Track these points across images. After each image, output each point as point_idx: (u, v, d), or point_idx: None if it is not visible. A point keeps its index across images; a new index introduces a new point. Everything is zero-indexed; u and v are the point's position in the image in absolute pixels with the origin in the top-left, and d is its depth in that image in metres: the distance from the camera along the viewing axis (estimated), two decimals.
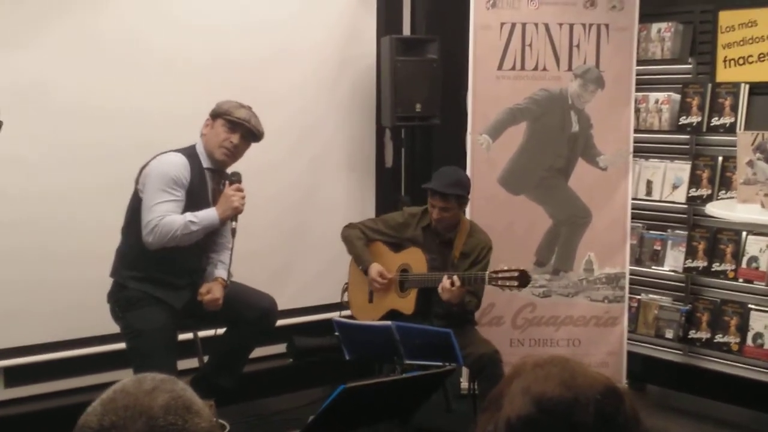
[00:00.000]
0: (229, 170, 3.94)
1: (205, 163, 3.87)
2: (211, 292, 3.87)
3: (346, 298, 4.47)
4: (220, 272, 3.97)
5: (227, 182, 3.87)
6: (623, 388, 1.26)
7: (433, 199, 4.15)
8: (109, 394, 1.24)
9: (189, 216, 3.72)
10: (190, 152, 3.86)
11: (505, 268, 3.97)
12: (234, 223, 3.83)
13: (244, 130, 3.84)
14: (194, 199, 3.78)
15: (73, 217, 4.25)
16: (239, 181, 3.87)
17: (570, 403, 1.20)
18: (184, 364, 4.18)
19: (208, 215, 3.76)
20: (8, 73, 4.08)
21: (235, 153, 3.87)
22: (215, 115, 3.87)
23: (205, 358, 4.23)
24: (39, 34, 4.18)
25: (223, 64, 4.67)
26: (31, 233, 4.19)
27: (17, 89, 4.07)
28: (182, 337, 4.12)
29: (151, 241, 3.70)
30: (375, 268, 4.25)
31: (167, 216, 3.68)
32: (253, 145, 4.78)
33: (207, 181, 3.87)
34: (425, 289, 4.15)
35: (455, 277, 3.95)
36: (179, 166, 3.77)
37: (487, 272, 4.00)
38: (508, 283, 3.97)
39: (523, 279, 3.96)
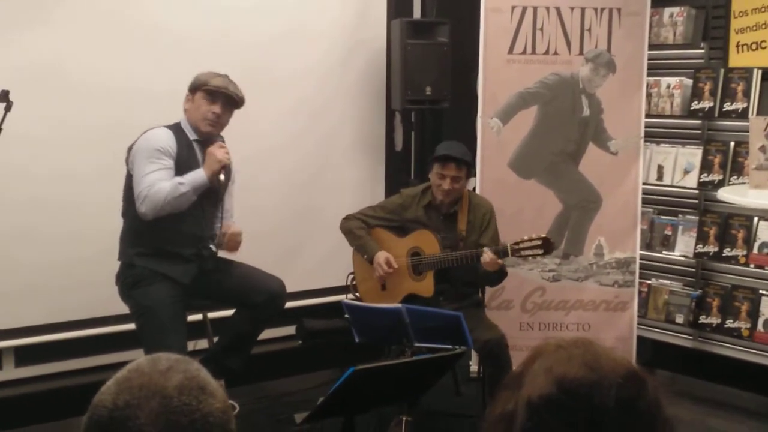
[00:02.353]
0: None
1: (192, 136, 3.91)
2: (231, 228, 3.93)
3: (353, 289, 4.45)
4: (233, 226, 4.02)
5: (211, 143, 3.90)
6: (647, 374, 1.25)
7: (446, 169, 4.10)
8: (123, 374, 1.24)
9: (177, 179, 3.75)
10: (175, 127, 3.91)
11: (526, 237, 3.96)
12: (222, 176, 3.83)
13: (223, 98, 3.87)
14: (184, 168, 3.81)
15: (84, 196, 4.26)
16: (221, 140, 3.90)
17: (592, 385, 1.20)
18: (193, 346, 4.20)
19: (196, 175, 3.78)
20: (19, 53, 4.09)
21: (219, 122, 3.91)
22: (194, 88, 3.90)
23: (215, 340, 4.24)
24: (50, 13, 4.18)
25: (233, 46, 4.66)
26: (43, 212, 4.21)
27: (28, 68, 4.08)
28: (192, 318, 4.14)
29: (144, 211, 3.72)
30: (382, 256, 4.19)
31: (156, 184, 3.70)
32: (263, 127, 4.81)
33: (196, 152, 3.90)
34: (441, 269, 4.14)
35: (490, 251, 3.95)
36: (163, 136, 3.82)
37: (509, 245, 3.98)
38: (531, 252, 3.96)
39: (547, 245, 3.95)
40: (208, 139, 3.91)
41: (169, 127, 3.89)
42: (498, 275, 4.15)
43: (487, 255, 3.95)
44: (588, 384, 1.20)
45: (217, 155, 3.79)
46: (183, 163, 3.82)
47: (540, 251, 3.96)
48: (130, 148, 3.84)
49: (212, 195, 3.92)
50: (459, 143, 4.27)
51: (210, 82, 3.86)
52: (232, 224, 4.00)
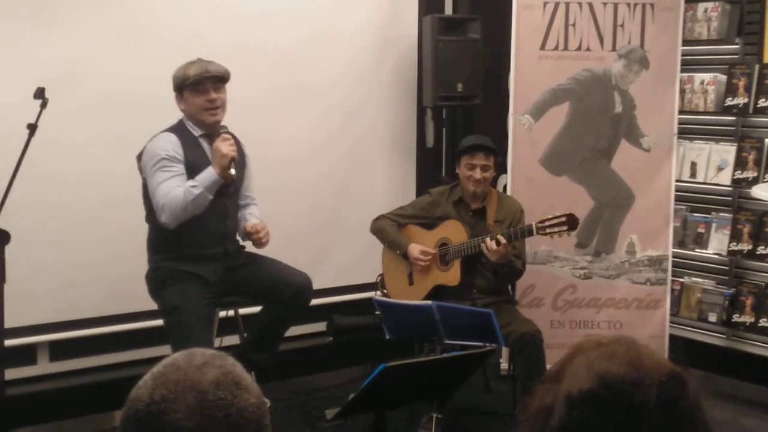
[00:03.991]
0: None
1: (197, 132, 3.87)
2: (254, 226, 3.91)
3: (381, 287, 4.47)
4: (252, 219, 4.01)
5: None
6: (689, 376, 1.25)
7: (475, 158, 4.16)
8: (159, 369, 1.26)
9: (189, 182, 3.72)
10: (178, 127, 3.87)
11: (550, 215, 3.95)
12: (232, 170, 3.75)
13: (210, 81, 3.81)
14: (196, 169, 3.77)
15: (116, 196, 4.27)
16: (226, 132, 3.83)
17: (634, 383, 1.20)
18: (219, 342, 4.23)
19: (207, 174, 3.73)
20: (49, 57, 4.12)
21: (220, 105, 3.84)
22: (178, 88, 3.84)
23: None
24: (85, 14, 4.22)
25: (264, 49, 4.69)
26: (76, 212, 4.25)
27: (59, 72, 4.09)
28: (224, 314, 4.16)
29: (165, 221, 3.72)
30: (415, 248, 4.24)
31: (170, 193, 3.69)
32: (297, 128, 4.82)
33: (204, 149, 3.86)
34: (468, 258, 4.14)
35: (499, 236, 3.94)
36: (167, 142, 3.78)
37: (534, 224, 3.98)
38: (557, 229, 3.94)
39: (572, 221, 3.94)
40: (213, 131, 3.85)
41: (173, 129, 3.85)
42: (509, 270, 4.12)
43: (488, 242, 3.94)
44: (630, 382, 1.19)
45: (222, 150, 3.72)
46: (193, 164, 3.78)
47: (564, 228, 3.95)
48: (138, 158, 3.85)
49: (232, 191, 3.94)
50: (483, 135, 4.33)
51: (189, 75, 3.79)
52: (254, 222, 3.97)
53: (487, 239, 3.96)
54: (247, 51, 4.60)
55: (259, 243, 3.94)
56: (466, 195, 4.26)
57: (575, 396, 1.20)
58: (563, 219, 3.93)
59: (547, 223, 3.95)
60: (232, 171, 3.73)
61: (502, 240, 3.93)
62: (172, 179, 3.72)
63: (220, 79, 3.85)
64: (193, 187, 3.69)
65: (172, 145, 3.78)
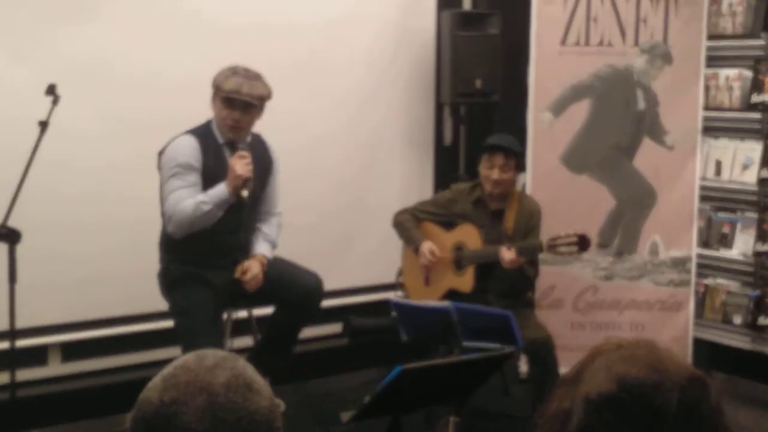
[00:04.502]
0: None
1: (221, 139, 3.78)
2: (249, 271, 3.79)
3: (401, 282, 4.43)
4: (260, 248, 3.91)
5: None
6: (710, 379, 1.23)
7: (494, 158, 4.08)
8: (170, 370, 1.25)
9: (200, 197, 3.64)
10: (203, 130, 3.77)
11: (563, 234, 3.88)
12: (244, 192, 3.65)
13: (239, 104, 3.68)
14: (214, 179, 3.68)
15: (132, 190, 4.21)
16: (245, 149, 3.71)
17: (655, 386, 1.18)
18: (240, 343, 4.16)
19: (218, 190, 3.64)
20: (67, 47, 4.09)
21: (243, 126, 3.73)
22: (214, 90, 3.73)
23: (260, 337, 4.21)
24: (97, 7, 4.19)
25: (280, 35, 4.63)
26: (91, 207, 4.20)
27: (75, 63, 4.07)
28: (238, 315, 4.11)
29: (171, 230, 3.68)
30: (426, 246, 4.18)
31: (179, 204, 3.62)
32: (310, 119, 4.75)
33: (225, 157, 3.75)
34: (482, 264, 4.08)
35: (513, 248, 3.90)
36: (187, 149, 3.69)
37: (545, 241, 3.92)
38: (567, 249, 3.88)
39: (583, 242, 3.87)
40: (237, 141, 3.76)
41: (196, 130, 3.76)
42: (518, 276, 4.05)
43: (505, 252, 3.89)
44: (650, 384, 1.18)
45: (236, 170, 3.60)
46: (210, 173, 3.70)
47: (575, 248, 3.88)
48: (160, 153, 3.78)
49: (251, 202, 3.83)
50: (509, 135, 4.26)
51: (223, 87, 3.66)
52: (251, 263, 3.83)
53: (503, 248, 3.91)
54: (261, 37, 4.52)
55: (251, 284, 3.82)
56: (485, 195, 4.19)
57: (594, 399, 1.19)
58: (575, 239, 3.86)
59: (558, 242, 3.89)
60: (245, 193, 3.65)
61: (513, 255, 3.89)
62: (184, 190, 3.65)
63: (250, 105, 3.70)
64: (203, 203, 3.62)
65: (191, 151, 3.70)
